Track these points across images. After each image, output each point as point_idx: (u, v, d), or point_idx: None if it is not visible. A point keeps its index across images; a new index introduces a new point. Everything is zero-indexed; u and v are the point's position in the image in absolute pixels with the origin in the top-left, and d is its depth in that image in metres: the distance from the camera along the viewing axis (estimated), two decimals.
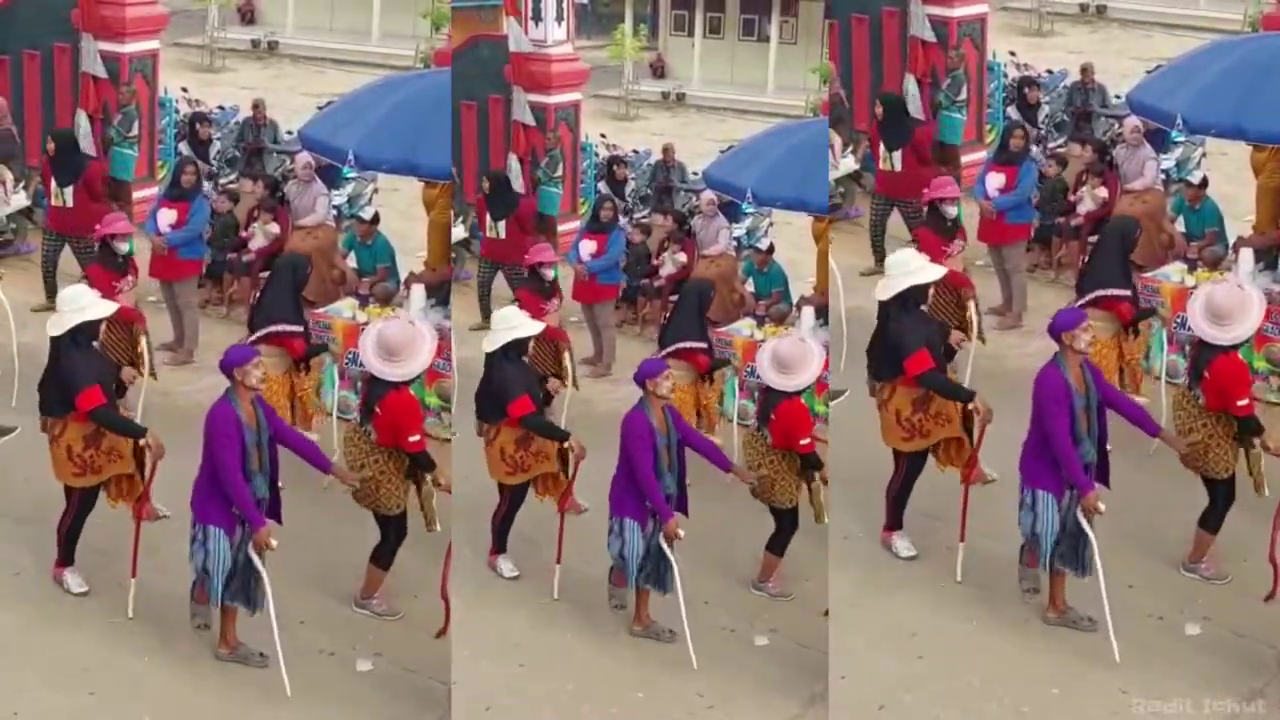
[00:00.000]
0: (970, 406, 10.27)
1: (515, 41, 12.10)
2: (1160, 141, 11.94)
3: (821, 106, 12.16)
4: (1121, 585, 9.86)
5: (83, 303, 10.12)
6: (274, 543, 9.53)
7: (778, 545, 10.50)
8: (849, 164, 12.37)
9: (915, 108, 12.48)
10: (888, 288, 10.41)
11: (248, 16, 12.87)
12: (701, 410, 11.47)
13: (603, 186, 12.14)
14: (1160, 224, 11.84)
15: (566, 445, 10.45)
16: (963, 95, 12.46)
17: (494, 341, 10.62)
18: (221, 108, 12.20)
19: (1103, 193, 12.09)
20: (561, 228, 12.14)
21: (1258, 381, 11.44)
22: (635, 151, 12.21)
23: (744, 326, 11.67)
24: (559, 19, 12.13)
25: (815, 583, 10.31)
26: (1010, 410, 10.05)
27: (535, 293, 11.48)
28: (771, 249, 11.79)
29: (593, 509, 10.49)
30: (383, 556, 10.20)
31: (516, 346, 10.59)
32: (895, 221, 12.34)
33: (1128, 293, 11.43)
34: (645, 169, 12.19)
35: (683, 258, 11.95)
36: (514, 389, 10.50)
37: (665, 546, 9.98)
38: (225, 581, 9.61)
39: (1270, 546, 10.01)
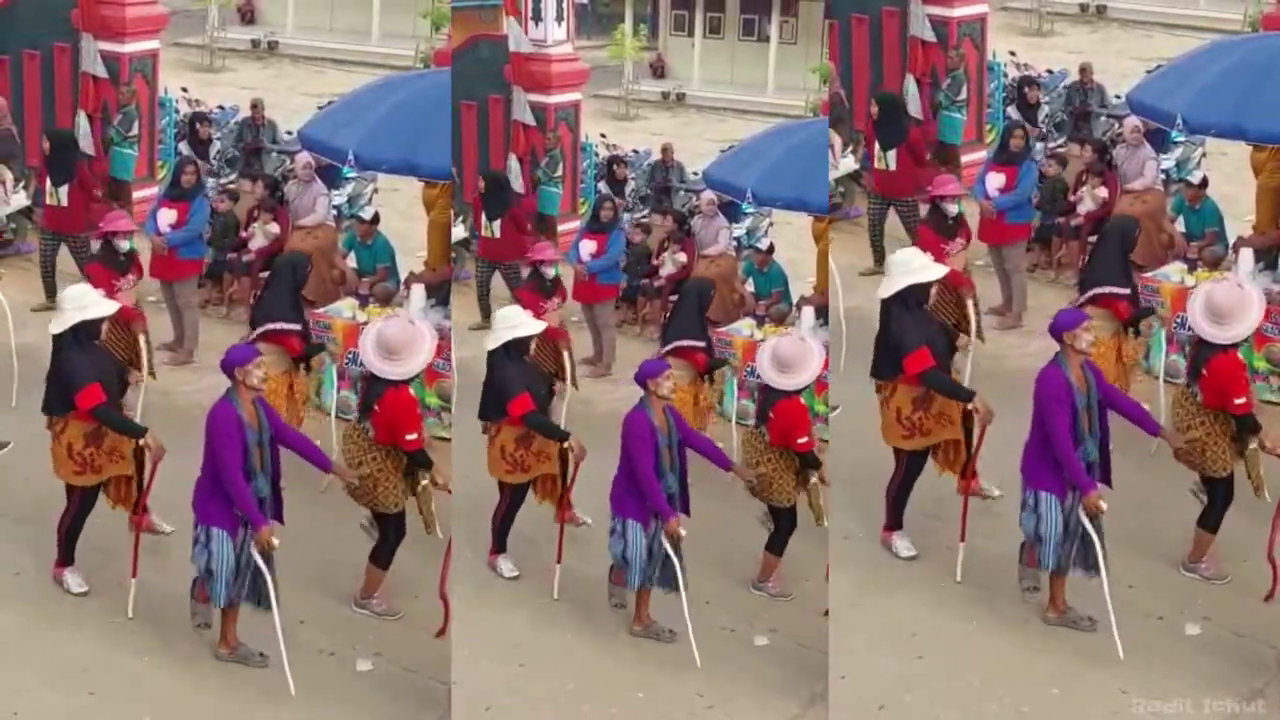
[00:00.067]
0: (969, 406, 10.27)
1: (515, 41, 12.10)
2: (1160, 141, 11.94)
3: (821, 106, 12.16)
4: (1122, 585, 9.86)
5: (85, 301, 10.12)
6: (276, 542, 9.53)
7: (777, 545, 10.50)
8: (849, 164, 12.36)
9: (915, 107, 12.48)
10: (888, 286, 10.41)
11: (248, 16, 12.87)
12: (697, 409, 11.45)
13: (603, 186, 12.14)
14: (1160, 224, 11.84)
15: (566, 446, 10.44)
16: (963, 95, 12.46)
17: (495, 340, 10.62)
18: (222, 107, 12.19)
19: (1103, 193, 12.09)
20: (561, 227, 12.14)
21: (1258, 381, 11.45)
22: (635, 151, 12.21)
23: (744, 326, 11.67)
24: (559, 19, 12.13)
25: (815, 583, 10.31)
26: (1010, 410, 10.05)
27: (536, 291, 11.47)
28: (771, 249, 11.78)
29: (593, 509, 10.48)
30: (382, 556, 10.20)
31: (518, 345, 10.58)
32: (895, 221, 12.35)
33: (1126, 291, 11.42)
34: (645, 169, 12.18)
35: (683, 258, 11.94)
36: (514, 387, 10.50)
37: (668, 546, 9.97)
38: (229, 582, 9.60)
39: (1269, 546, 10.01)
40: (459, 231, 11.93)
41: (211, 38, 12.67)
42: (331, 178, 11.86)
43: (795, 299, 11.64)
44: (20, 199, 12.13)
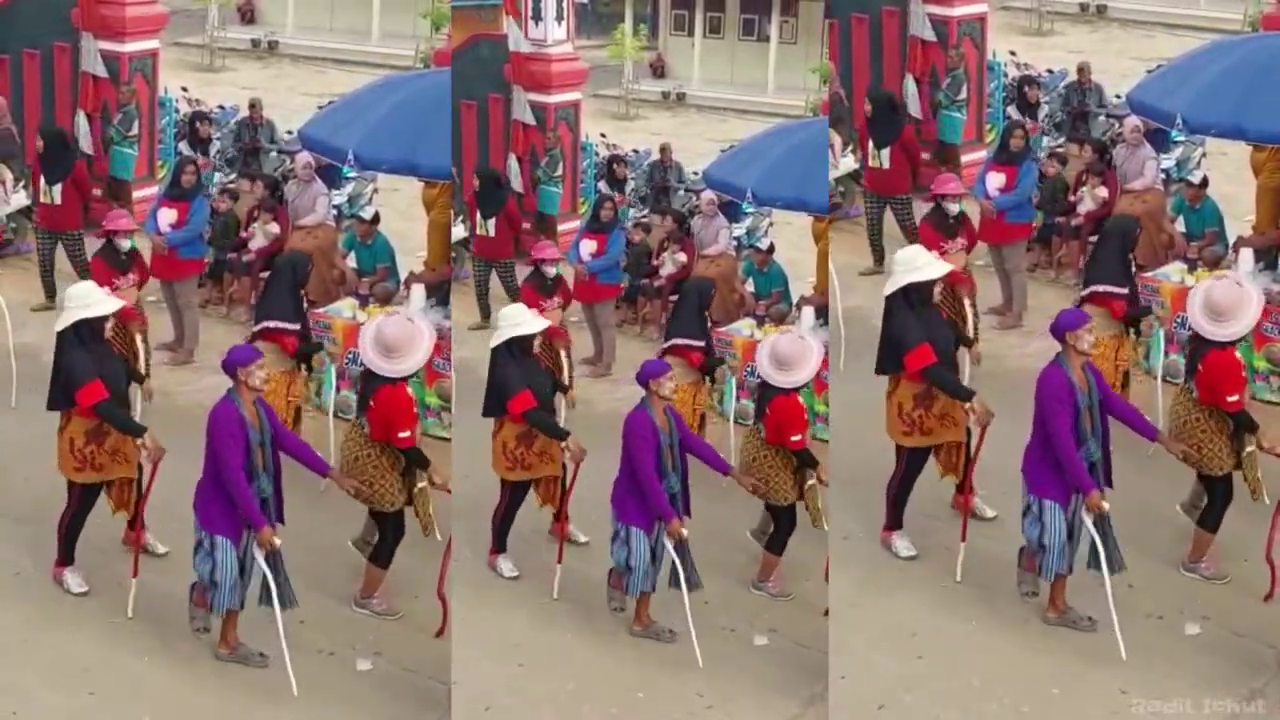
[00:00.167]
0: (966, 407, 10.26)
1: (515, 41, 12.10)
2: (1160, 141, 11.93)
3: (821, 106, 12.16)
4: (1121, 585, 9.84)
5: (88, 300, 10.12)
6: (278, 543, 9.53)
7: (776, 544, 10.49)
8: (849, 163, 12.37)
9: (915, 107, 12.48)
10: (891, 283, 10.41)
11: (248, 16, 12.87)
12: (694, 410, 11.45)
13: (603, 186, 12.14)
14: (1160, 224, 11.84)
15: (564, 446, 10.43)
16: (962, 95, 12.46)
17: (497, 338, 10.61)
18: (222, 107, 12.20)
19: (1103, 192, 12.09)
20: (561, 227, 12.14)
21: (1258, 381, 11.45)
22: (635, 151, 12.21)
23: (744, 327, 11.67)
24: (559, 18, 12.13)
25: (815, 582, 10.31)
26: (1010, 411, 10.05)
27: (536, 291, 11.46)
28: (771, 249, 11.78)
29: (593, 511, 10.47)
30: (381, 555, 10.19)
31: (520, 343, 10.56)
32: (893, 219, 12.36)
33: (1123, 290, 11.40)
34: (644, 169, 12.18)
35: (682, 257, 11.94)
36: (515, 384, 10.48)
37: (669, 547, 9.97)
38: (231, 589, 9.59)
39: (1267, 546, 10.01)
40: (459, 231, 11.93)
41: (211, 37, 12.67)
42: (331, 177, 11.86)
43: (795, 299, 11.65)
44: (20, 199, 12.13)
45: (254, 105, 12.20)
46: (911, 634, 9.93)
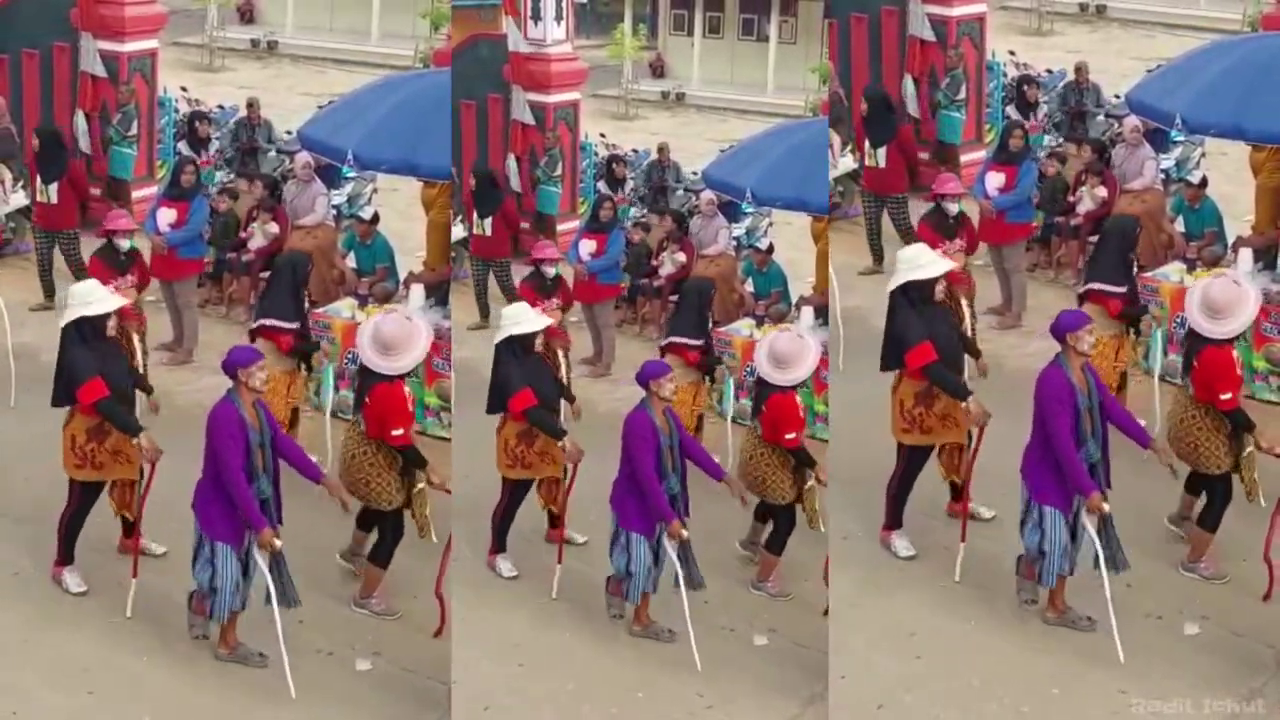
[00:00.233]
0: (962, 406, 10.25)
1: (514, 41, 12.10)
2: (1160, 141, 11.94)
3: (821, 106, 12.16)
4: (1120, 585, 9.84)
5: (90, 298, 10.12)
6: (278, 544, 9.51)
7: (775, 543, 10.49)
8: (848, 163, 12.36)
9: (913, 107, 12.49)
10: (893, 280, 10.41)
11: (247, 16, 12.87)
12: (693, 410, 11.45)
13: (602, 186, 12.14)
14: (1160, 224, 11.84)
15: (560, 444, 10.41)
16: (962, 94, 12.46)
17: (498, 336, 10.61)
18: (221, 107, 12.19)
19: (1102, 192, 12.09)
20: (561, 227, 12.14)
21: (1257, 381, 11.45)
22: (634, 151, 12.21)
23: (743, 327, 11.66)
24: (558, 18, 12.13)
25: (814, 582, 10.31)
26: (1010, 411, 10.05)
27: (535, 291, 11.44)
28: (771, 249, 11.78)
29: (593, 511, 10.47)
30: (380, 555, 10.19)
31: (521, 341, 10.55)
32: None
33: (1119, 290, 11.36)
34: (642, 169, 12.18)
35: (682, 257, 11.94)
36: (516, 382, 10.47)
37: (670, 550, 9.96)
38: (231, 595, 9.57)
39: (1265, 546, 10.01)
40: (458, 231, 11.92)
41: (211, 37, 12.67)
42: (331, 177, 11.86)
43: (794, 299, 11.65)
44: (19, 198, 12.13)
45: (251, 105, 12.20)
46: (911, 634, 9.93)
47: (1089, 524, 9.67)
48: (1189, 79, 11.64)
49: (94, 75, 12.00)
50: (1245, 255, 11.62)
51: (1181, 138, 11.85)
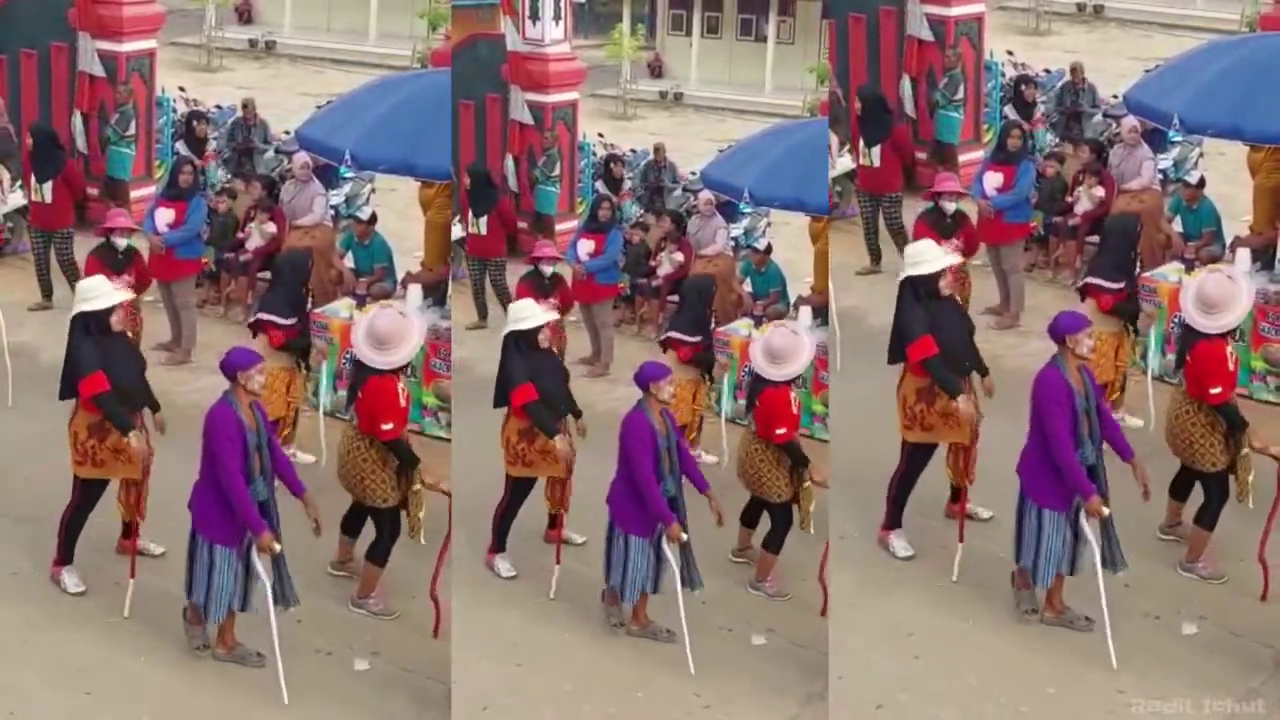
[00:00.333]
0: (952, 405, 10.25)
1: (513, 41, 12.10)
2: (1158, 141, 11.94)
3: (819, 106, 12.17)
4: (1118, 585, 9.85)
5: (93, 294, 10.11)
6: (277, 547, 9.50)
7: (773, 542, 10.49)
8: (846, 163, 12.37)
9: (909, 106, 12.49)
10: (901, 276, 10.42)
11: (245, 16, 12.88)
12: (692, 410, 11.44)
13: (600, 186, 12.14)
14: (1158, 224, 11.84)
15: (553, 443, 10.40)
16: (960, 94, 12.47)
17: (504, 331, 10.60)
18: (219, 107, 12.20)
19: (1099, 192, 12.10)
20: (559, 227, 12.15)
21: (1255, 382, 11.46)
22: (633, 151, 12.21)
23: (742, 327, 11.66)
24: (556, 18, 12.13)
25: (812, 582, 10.31)
26: (1008, 411, 10.05)
27: (533, 290, 11.44)
28: (769, 249, 11.79)
29: (591, 511, 10.47)
30: (378, 553, 10.19)
31: (525, 336, 10.53)
32: None
33: (1115, 285, 11.33)
34: (639, 169, 12.19)
35: (680, 257, 11.95)
36: (518, 377, 10.46)
37: (669, 553, 9.95)
38: (228, 600, 9.57)
39: (1260, 547, 10.01)
40: (457, 231, 11.92)
41: (209, 37, 12.68)
42: (329, 178, 11.86)
43: (793, 299, 11.65)
44: (17, 198, 12.14)
45: (247, 105, 12.21)
46: (909, 634, 9.94)
47: (1089, 528, 9.66)
48: (1187, 79, 11.65)
49: (92, 75, 12.00)
50: (1243, 255, 11.63)
51: (1179, 138, 11.86)
